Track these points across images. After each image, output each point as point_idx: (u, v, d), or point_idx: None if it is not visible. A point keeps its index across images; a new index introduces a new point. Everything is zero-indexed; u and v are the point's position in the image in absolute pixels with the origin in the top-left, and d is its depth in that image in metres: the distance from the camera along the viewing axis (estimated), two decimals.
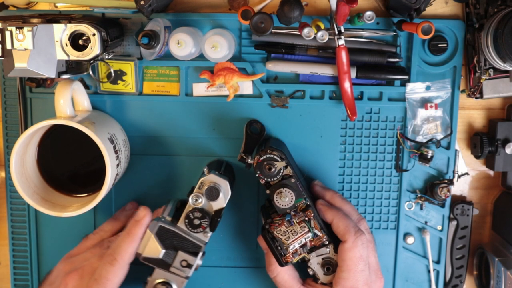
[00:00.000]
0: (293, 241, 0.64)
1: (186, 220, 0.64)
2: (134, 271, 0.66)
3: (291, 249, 0.64)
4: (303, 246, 0.65)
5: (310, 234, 0.65)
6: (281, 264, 0.65)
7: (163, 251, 0.64)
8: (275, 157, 0.64)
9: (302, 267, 0.68)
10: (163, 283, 0.65)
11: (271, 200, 0.64)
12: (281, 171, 0.64)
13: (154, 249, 0.64)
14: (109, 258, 0.63)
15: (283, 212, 0.64)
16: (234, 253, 0.76)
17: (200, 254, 0.64)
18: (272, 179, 0.65)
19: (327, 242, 0.65)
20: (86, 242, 0.70)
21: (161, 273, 0.65)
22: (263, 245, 0.68)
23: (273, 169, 0.64)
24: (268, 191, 0.65)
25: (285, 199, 0.64)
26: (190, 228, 0.64)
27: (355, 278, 0.64)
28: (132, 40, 0.71)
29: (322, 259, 0.66)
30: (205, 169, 0.65)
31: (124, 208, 0.73)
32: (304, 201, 0.65)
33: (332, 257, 0.66)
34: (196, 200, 0.64)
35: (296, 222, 0.64)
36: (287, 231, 0.64)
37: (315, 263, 0.66)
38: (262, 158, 0.64)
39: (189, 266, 0.64)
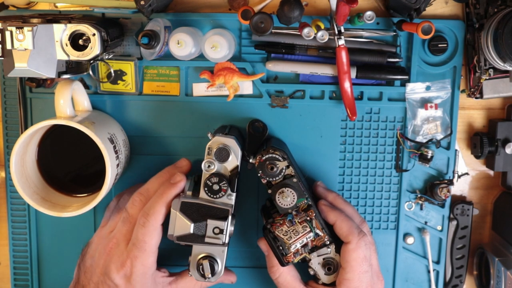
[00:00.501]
0: (294, 240, 0.64)
1: (206, 189, 0.64)
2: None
3: (292, 249, 0.64)
4: (304, 246, 0.65)
5: (311, 234, 0.65)
6: (283, 264, 0.65)
7: (192, 224, 0.63)
8: (277, 156, 0.64)
9: (302, 267, 0.68)
10: (204, 257, 0.64)
11: (272, 200, 0.64)
12: (283, 171, 0.64)
13: (184, 226, 0.63)
14: (141, 221, 0.64)
15: (285, 212, 0.64)
16: (234, 253, 0.76)
17: (230, 218, 0.63)
18: (274, 179, 0.65)
19: (328, 242, 0.65)
20: (107, 211, 0.71)
21: (199, 248, 0.65)
22: (264, 247, 0.68)
23: (275, 169, 0.64)
24: (270, 191, 0.65)
25: (287, 198, 0.64)
26: (211, 195, 0.64)
27: (359, 279, 0.64)
28: (132, 40, 0.71)
29: (323, 259, 0.66)
30: (209, 134, 0.65)
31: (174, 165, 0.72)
32: (305, 201, 0.65)
33: (334, 257, 0.66)
34: (209, 166, 0.63)
35: (298, 222, 0.64)
36: (289, 231, 0.64)
37: (316, 263, 0.66)
38: (264, 158, 0.64)
39: (222, 232, 0.63)
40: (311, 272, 0.67)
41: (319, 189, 0.72)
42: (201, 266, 0.64)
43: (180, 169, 0.70)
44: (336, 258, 0.66)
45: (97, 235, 0.69)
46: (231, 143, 0.64)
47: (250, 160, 0.65)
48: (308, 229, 0.64)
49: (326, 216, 0.66)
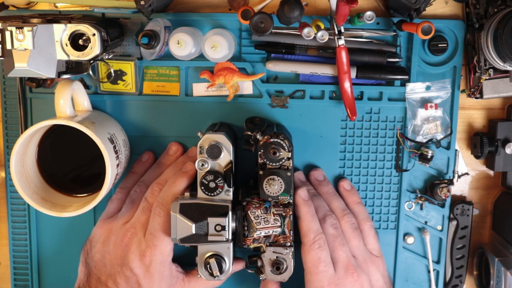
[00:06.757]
0: (261, 228, 0.64)
1: (202, 187, 0.64)
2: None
3: (256, 235, 0.65)
4: (266, 237, 0.65)
5: (279, 230, 0.65)
6: (239, 244, 0.65)
7: (193, 225, 0.63)
8: (284, 145, 0.64)
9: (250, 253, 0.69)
10: (211, 256, 0.65)
11: (259, 181, 0.64)
12: (283, 160, 0.64)
13: (186, 227, 0.63)
14: (157, 210, 0.66)
15: (265, 198, 0.65)
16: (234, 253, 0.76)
17: (230, 213, 0.63)
18: (271, 164, 0.65)
19: (289, 244, 0.66)
20: (111, 203, 0.72)
21: (204, 248, 0.65)
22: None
23: (277, 154, 0.64)
24: (261, 172, 0.64)
25: (274, 187, 0.64)
26: (208, 193, 0.64)
27: (318, 279, 0.65)
28: (132, 40, 0.71)
29: (276, 257, 0.66)
30: (198, 133, 0.65)
31: (140, 159, 0.74)
32: (288, 198, 0.65)
33: (286, 259, 0.66)
34: (203, 165, 0.64)
35: (273, 212, 0.64)
36: (261, 217, 0.64)
37: (267, 258, 0.66)
38: (271, 140, 0.64)
39: (224, 228, 0.63)
40: (259, 263, 0.66)
41: (312, 179, 0.73)
42: (208, 265, 0.64)
43: (192, 158, 0.71)
44: (288, 262, 0.66)
45: (104, 228, 0.70)
46: (222, 139, 0.64)
47: (258, 136, 0.65)
48: (279, 224, 0.65)
49: (295, 208, 0.68)
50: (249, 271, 0.68)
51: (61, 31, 0.61)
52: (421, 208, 0.75)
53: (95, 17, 0.69)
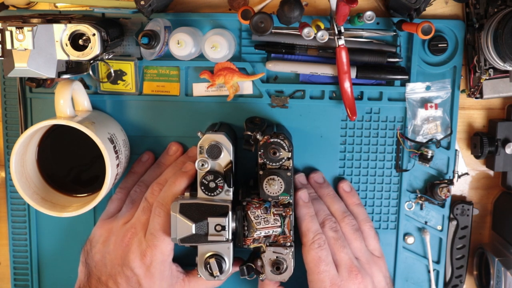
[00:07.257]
0: (262, 228, 0.64)
1: (202, 187, 0.64)
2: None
3: (256, 235, 0.65)
4: (266, 237, 0.65)
5: (279, 230, 0.65)
6: (239, 244, 0.65)
7: (193, 225, 0.63)
8: (284, 145, 0.64)
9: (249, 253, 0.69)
10: (211, 256, 0.65)
11: (259, 181, 0.64)
12: (283, 160, 0.64)
13: (186, 227, 0.63)
14: (157, 211, 0.66)
15: (265, 198, 0.65)
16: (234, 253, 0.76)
17: (230, 213, 0.63)
18: (271, 164, 0.65)
19: (289, 244, 0.66)
20: (112, 203, 0.72)
21: (205, 248, 0.65)
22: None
23: (277, 154, 0.64)
24: (261, 172, 0.65)
25: (274, 187, 0.64)
26: (208, 193, 0.64)
27: (320, 280, 0.65)
28: (132, 40, 0.71)
29: (276, 257, 0.66)
30: (198, 133, 0.65)
31: (140, 159, 0.74)
32: (288, 198, 0.65)
33: (286, 259, 0.66)
34: (202, 165, 0.64)
35: (273, 212, 0.65)
36: (261, 217, 0.65)
37: (267, 258, 0.66)
38: (271, 140, 0.64)
39: (224, 228, 0.63)
40: (259, 263, 0.66)
41: (312, 181, 0.73)
42: (208, 265, 0.64)
43: (192, 158, 0.71)
44: (288, 262, 0.66)
45: (104, 228, 0.70)
46: (222, 139, 0.64)
47: (258, 136, 0.65)
48: (279, 224, 0.65)
49: (295, 209, 0.68)
50: (248, 278, 0.68)
51: (61, 31, 0.61)
52: (421, 208, 0.75)
53: (95, 17, 0.69)
